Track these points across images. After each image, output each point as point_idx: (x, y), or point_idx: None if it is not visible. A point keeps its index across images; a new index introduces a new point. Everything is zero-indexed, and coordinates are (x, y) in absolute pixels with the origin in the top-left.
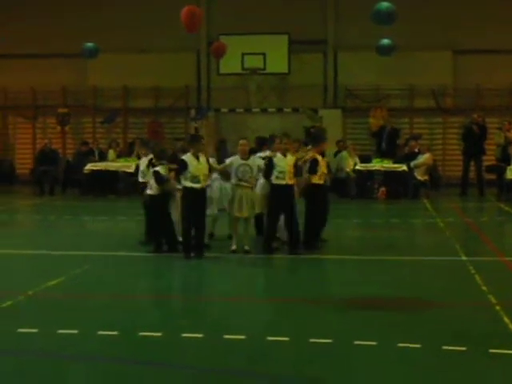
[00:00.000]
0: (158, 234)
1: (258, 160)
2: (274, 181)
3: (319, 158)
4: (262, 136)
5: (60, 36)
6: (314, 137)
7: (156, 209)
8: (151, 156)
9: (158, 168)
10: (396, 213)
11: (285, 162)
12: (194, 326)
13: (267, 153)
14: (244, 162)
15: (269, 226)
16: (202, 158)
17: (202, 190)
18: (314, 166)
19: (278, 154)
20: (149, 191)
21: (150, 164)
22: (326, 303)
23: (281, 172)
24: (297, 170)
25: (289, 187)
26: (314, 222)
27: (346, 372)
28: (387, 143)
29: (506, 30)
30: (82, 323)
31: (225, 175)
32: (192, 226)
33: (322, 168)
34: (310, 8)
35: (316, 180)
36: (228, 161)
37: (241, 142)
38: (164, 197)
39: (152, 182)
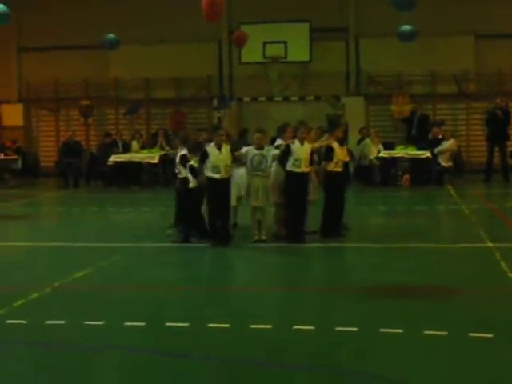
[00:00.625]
0: (188, 226)
1: (273, 150)
2: (290, 168)
3: (334, 144)
4: (283, 124)
5: (81, 28)
6: (331, 124)
7: (191, 202)
8: (183, 151)
9: (192, 162)
10: (420, 200)
11: (302, 150)
12: (220, 316)
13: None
14: (258, 152)
15: (288, 215)
16: (225, 149)
17: (223, 181)
18: (328, 153)
19: (296, 142)
20: (190, 185)
21: (182, 159)
22: (351, 291)
23: (297, 160)
24: (312, 158)
25: (304, 175)
26: (332, 210)
27: (371, 360)
28: (417, 129)
29: None
30: (109, 314)
31: (237, 160)
32: (217, 216)
33: (338, 155)
34: None
35: (332, 167)
36: (244, 150)
37: (256, 135)
38: (200, 190)
39: (189, 176)
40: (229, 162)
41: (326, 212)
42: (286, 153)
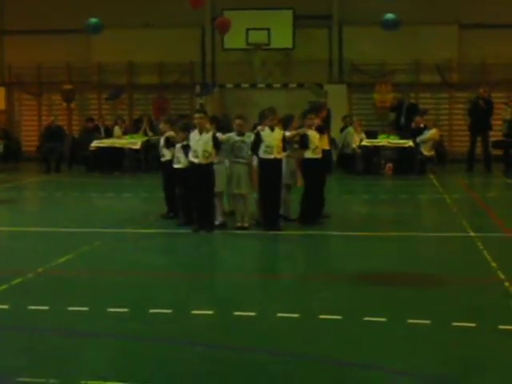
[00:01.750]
0: (190, 207)
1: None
2: (262, 155)
3: (309, 132)
4: (263, 110)
5: (64, 12)
6: (314, 108)
7: (185, 181)
8: (167, 134)
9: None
10: (403, 189)
11: (272, 137)
12: (204, 302)
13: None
14: (239, 138)
15: (263, 202)
16: (205, 134)
17: (200, 166)
18: (304, 140)
19: (266, 129)
20: (177, 165)
21: (168, 142)
22: (334, 279)
23: (268, 146)
24: (284, 144)
25: (277, 161)
26: (311, 198)
27: (355, 349)
28: (406, 118)
29: None
30: (92, 300)
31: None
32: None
33: (315, 142)
34: None
35: (310, 154)
36: (225, 136)
37: (237, 121)
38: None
39: (180, 155)
40: (208, 147)
41: (304, 199)
42: (257, 140)
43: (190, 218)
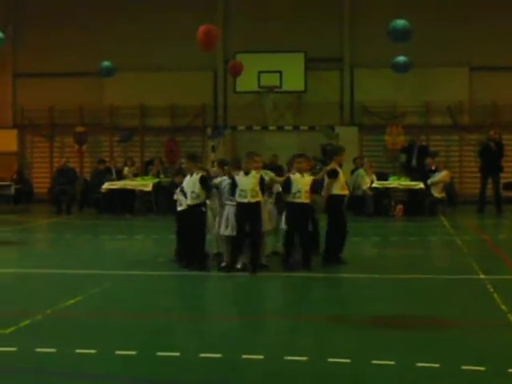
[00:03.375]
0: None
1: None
2: (238, 199)
3: (338, 168)
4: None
5: (76, 54)
6: (327, 152)
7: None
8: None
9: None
10: (413, 231)
11: (247, 181)
12: (212, 345)
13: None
14: (230, 181)
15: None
16: (194, 177)
17: (188, 209)
18: (333, 172)
19: (240, 173)
20: (179, 208)
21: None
22: (344, 322)
23: (242, 190)
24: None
25: (250, 205)
26: (335, 236)
27: None
28: (417, 159)
29: None
30: (101, 343)
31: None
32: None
33: (297, 186)
34: (326, 26)
35: (338, 191)
36: (217, 180)
37: (245, 159)
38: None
39: (181, 198)
40: (195, 189)
41: (329, 238)
42: (233, 185)
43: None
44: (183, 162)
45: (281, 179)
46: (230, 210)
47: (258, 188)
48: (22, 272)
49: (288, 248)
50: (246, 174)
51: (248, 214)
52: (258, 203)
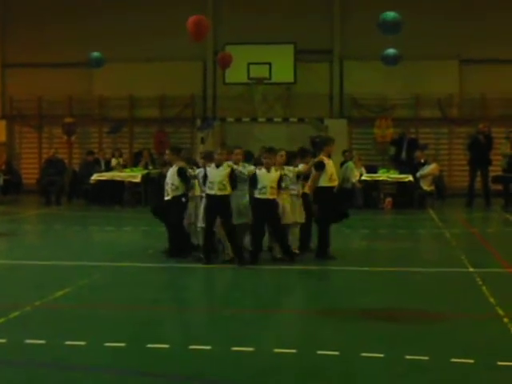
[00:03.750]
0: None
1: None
2: (207, 191)
3: (326, 159)
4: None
5: (66, 45)
6: (316, 144)
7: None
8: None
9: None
10: (402, 223)
11: (216, 173)
12: (202, 337)
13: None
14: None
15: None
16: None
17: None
18: (320, 164)
19: (212, 165)
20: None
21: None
22: (333, 315)
23: (211, 182)
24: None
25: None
26: (326, 229)
27: None
28: (407, 152)
29: None
30: (90, 334)
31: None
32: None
33: (331, 170)
34: (316, 17)
35: (326, 183)
36: (196, 171)
37: (218, 151)
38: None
39: (167, 188)
40: (174, 181)
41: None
42: (204, 177)
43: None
44: (167, 153)
45: (306, 168)
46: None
47: (226, 181)
48: (10, 263)
49: (256, 241)
50: (217, 166)
51: (216, 206)
52: (225, 196)
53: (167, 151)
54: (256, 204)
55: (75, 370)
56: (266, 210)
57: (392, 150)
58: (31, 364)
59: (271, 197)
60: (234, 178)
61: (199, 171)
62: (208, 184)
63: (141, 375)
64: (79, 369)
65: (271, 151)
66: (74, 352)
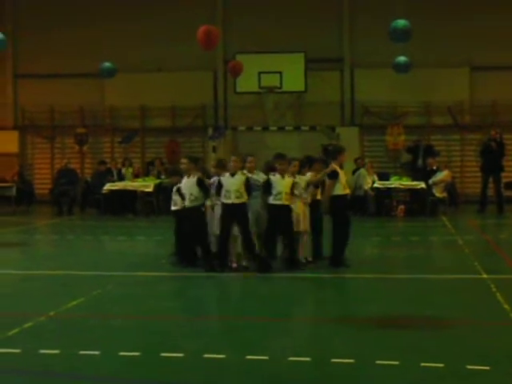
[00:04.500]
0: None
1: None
2: (222, 199)
3: (338, 169)
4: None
5: (77, 55)
6: (329, 152)
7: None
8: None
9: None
10: (415, 230)
11: (231, 182)
12: (216, 346)
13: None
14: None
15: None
16: (190, 178)
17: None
18: (333, 173)
19: (227, 174)
20: (173, 207)
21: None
22: (347, 322)
23: (227, 191)
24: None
25: (234, 206)
26: (341, 237)
27: None
28: (423, 159)
29: None
30: (104, 344)
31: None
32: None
33: (278, 187)
34: (326, 26)
35: (340, 191)
36: (211, 180)
37: (232, 158)
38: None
39: (176, 197)
40: (193, 191)
41: (335, 239)
42: (219, 186)
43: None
44: (183, 163)
45: (318, 178)
46: (218, 211)
47: (243, 189)
48: (23, 274)
49: (268, 248)
50: (232, 175)
51: (233, 214)
52: (243, 204)
53: (184, 160)
54: (271, 210)
55: (90, 380)
56: (280, 216)
57: (404, 158)
58: (45, 374)
59: (286, 202)
60: (249, 185)
61: (213, 180)
62: (224, 193)
63: None
64: (94, 379)
65: (283, 157)
66: (88, 362)
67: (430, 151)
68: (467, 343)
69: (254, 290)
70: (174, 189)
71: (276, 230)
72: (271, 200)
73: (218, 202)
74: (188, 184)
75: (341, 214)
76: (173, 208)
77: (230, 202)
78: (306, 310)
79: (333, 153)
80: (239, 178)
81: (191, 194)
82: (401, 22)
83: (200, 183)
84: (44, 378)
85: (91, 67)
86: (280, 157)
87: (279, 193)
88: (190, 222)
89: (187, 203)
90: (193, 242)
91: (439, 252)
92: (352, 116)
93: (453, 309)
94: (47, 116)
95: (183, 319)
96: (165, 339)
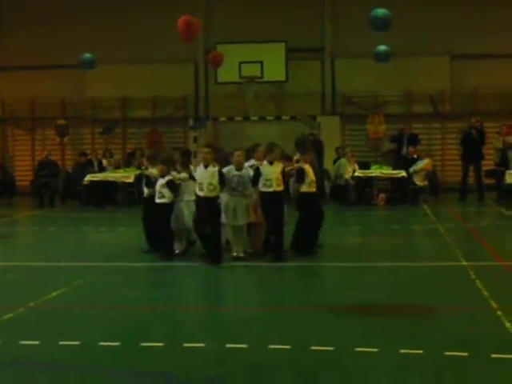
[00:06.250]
0: (168, 239)
1: (250, 171)
2: (262, 188)
3: (305, 166)
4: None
5: (57, 47)
6: (301, 145)
7: (167, 217)
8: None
9: (170, 177)
10: (396, 219)
11: (271, 170)
12: (195, 335)
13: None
14: (238, 173)
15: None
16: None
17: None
18: (300, 174)
19: (265, 163)
20: (160, 200)
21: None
22: (327, 310)
23: (267, 180)
24: (284, 178)
25: (276, 194)
26: (304, 231)
27: (348, 380)
28: (408, 148)
29: (503, 34)
30: (84, 334)
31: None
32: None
33: (310, 176)
34: (307, 16)
35: (306, 188)
36: (224, 170)
37: (237, 153)
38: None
39: (164, 190)
40: (213, 181)
41: (296, 232)
42: (257, 174)
43: (173, 252)
44: (205, 152)
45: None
46: (236, 201)
47: (216, 182)
48: (4, 265)
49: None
50: (206, 167)
51: (275, 202)
52: (214, 198)
53: (206, 149)
54: (262, 197)
55: (70, 370)
56: (270, 203)
57: (386, 146)
58: (25, 365)
59: (278, 189)
60: (222, 178)
61: (233, 169)
62: (198, 185)
63: (135, 374)
64: (74, 369)
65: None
66: (68, 352)
67: (413, 140)
68: (446, 330)
69: (234, 279)
70: (163, 181)
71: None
72: (261, 187)
73: (239, 193)
74: (206, 174)
75: (307, 211)
76: (159, 201)
77: (271, 190)
78: (286, 298)
79: (303, 146)
80: (212, 170)
81: (210, 184)
82: (380, 11)
83: (221, 174)
84: (24, 369)
85: (71, 59)
86: (266, 146)
87: (268, 180)
88: (212, 210)
89: (205, 193)
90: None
91: (420, 240)
92: (333, 105)
93: (432, 296)
94: (27, 108)
95: (163, 309)
96: (145, 329)
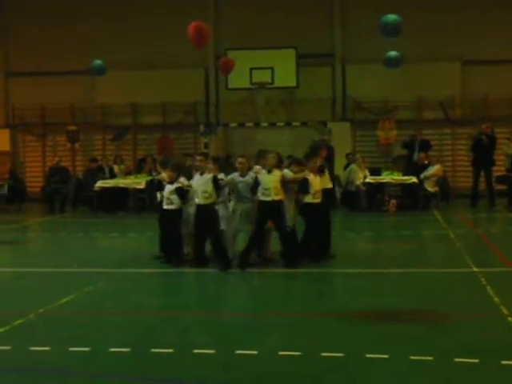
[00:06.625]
0: (177, 246)
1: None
2: (260, 197)
3: (310, 176)
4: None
5: (68, 53)
6: (310, 151)
7: (175, 223)
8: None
9: (179, 184)
10: (407, 225)
11: (269, 179)
12: (206, 341)
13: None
14: (242, 179)
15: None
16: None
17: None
18: (304, 185)
19: (263, 171)
20: (168, 206)
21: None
22: (338, 316)
23: (266, 189)
24: (283, 186)
25: (274, 203)
26: (308, 241)
27: None
28: (419, 153)
29: None
30: (94, 340)
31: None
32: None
33: (315, 186)
34: (317, 22)
35: (310, 199)
36: (229, 177)
37: (239, 160)
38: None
39: (173, 197)
40: (207, 188)
41: (302, 242)
42: (256, 183)
43: (182, 258)
44: (198, 160)
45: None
46: (241, 207)
47: (210, 189)
48: (15, 271)
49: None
50: (201, 174)
51: (203, 216)
52: (210, 205)
53: (199, 157)
54: (260, 206)
55: (80, 377)
56: (269, 212)
57: (397, 152)
58: (36, 371)
59: (276, 198)
60: (217, 185)
61: (237, 176)
62: (262, 191)
63: (145, 380)
64: (84, 375)
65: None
66: (78, 358)
67: (425, 146)
68: (457, 336)
69: (245, 286)
70: (171, 187)
71: (263, 226)
72: (260, 196)
73: (244, 199)
74: (201, 181)
75: (311, 221)
76: (167, 207)
77: (197, 202)
78: (296, 304)
79: (310, 153)
80: (207, 177)
81: (205, 192)
82: (391, 17)
83: (215, 181)
84: (34, 375)
85: (82, 65)
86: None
87: (266, 189)
88: (208, 218)
89: (200, 200)
90: (209, 238)
91: (431, 246)
92: (343, 111)
93: (443, 302)
94: (38, 114)
95: (173, 315)
96: (155, 335)
